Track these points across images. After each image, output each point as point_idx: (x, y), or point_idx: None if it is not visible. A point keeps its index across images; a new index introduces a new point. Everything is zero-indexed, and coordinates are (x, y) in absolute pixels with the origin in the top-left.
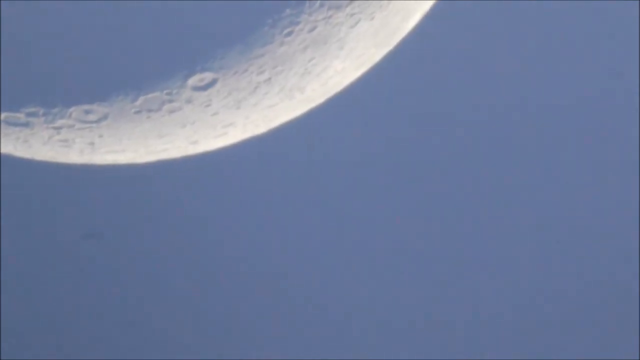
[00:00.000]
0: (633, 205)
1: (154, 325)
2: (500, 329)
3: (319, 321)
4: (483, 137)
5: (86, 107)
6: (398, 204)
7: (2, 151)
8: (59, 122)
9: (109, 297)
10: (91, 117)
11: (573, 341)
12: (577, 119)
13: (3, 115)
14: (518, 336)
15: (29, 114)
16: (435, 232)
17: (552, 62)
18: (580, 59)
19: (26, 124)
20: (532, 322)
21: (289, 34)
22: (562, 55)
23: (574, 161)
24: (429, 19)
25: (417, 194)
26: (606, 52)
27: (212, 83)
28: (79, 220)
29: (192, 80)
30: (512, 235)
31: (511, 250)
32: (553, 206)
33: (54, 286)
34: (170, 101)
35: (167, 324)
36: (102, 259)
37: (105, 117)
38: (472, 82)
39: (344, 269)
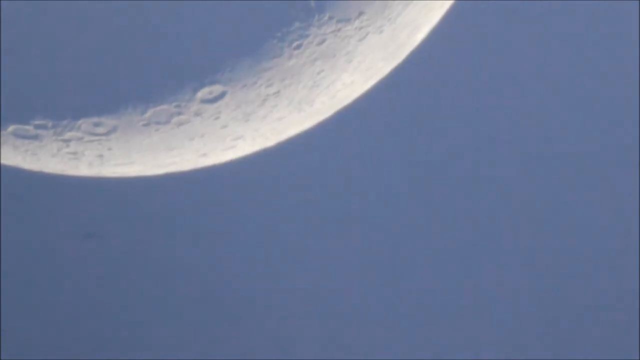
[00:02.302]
0: (633, 205)
1: (157, 328)
2: (501, 329)
3: (328, 328)
4: (491, 149)
5: (95, 119)
6: (407, 215)
7: (11, 163)
8: (68, 135)
9: (113, 303)
10: (100, 129)
11: (573, 341)
12: (577, 119)
13: (12, 127)
14: (518, 336)
15: (38, 127)
16: (443, 241)
17: (552, 64)
18: (580, 59)
19: (35, 137)
20: (532, 323)
21: (298, 47)
22: (561, 56)
23: (575, 161)
24: (437, 33)
25: (425, 205)
26: (606, 52)
27: (221, 96)
28: (88, 232)
29: (201, 93)
30: (514, 236)
31: (512, 250)
32: (560, 208)
33: (58, 294)
34: (179, 114)
35: (173, 330)
36: (111, 270)
37: (114, 129)
38: (480, 95)
39: (353, 279)
